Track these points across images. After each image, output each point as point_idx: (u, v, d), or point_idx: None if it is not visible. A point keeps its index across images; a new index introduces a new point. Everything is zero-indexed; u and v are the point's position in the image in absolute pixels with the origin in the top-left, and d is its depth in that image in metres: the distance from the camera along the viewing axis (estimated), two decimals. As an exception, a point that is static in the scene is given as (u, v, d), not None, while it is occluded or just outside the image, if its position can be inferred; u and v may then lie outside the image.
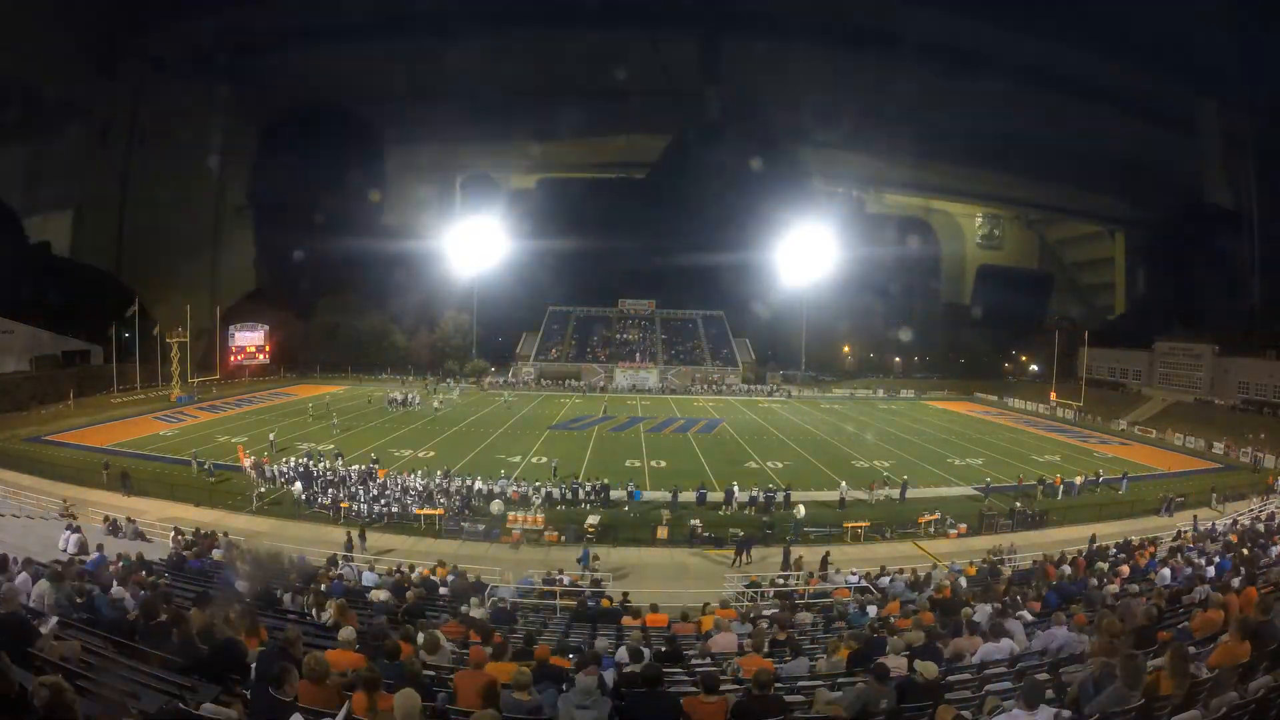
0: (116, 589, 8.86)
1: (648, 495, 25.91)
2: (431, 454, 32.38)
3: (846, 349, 77.34)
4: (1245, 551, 13.39)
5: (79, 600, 7.97)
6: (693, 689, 5.85)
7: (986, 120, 66.17)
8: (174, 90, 59.49)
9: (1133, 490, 29.03)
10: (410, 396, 49.66)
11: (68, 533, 15.05)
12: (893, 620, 10.20)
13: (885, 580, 15.27)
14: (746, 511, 24.56)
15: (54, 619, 6.26)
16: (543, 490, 24.87)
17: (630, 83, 66.07)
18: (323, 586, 10.97)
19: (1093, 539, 19.50)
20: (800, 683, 7.00)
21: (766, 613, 11.82)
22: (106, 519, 18.98)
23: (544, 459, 32.22)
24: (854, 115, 64.74)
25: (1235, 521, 21.24)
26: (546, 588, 14.54)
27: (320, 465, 26.96)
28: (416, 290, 66.25)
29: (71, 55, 52.33)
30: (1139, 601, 8.72)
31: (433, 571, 14.59)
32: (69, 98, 53.45)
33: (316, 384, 60.23)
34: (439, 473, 26.00)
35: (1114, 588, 11.13)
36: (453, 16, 61.53)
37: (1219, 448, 39.64)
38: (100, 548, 13.48)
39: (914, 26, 56.99)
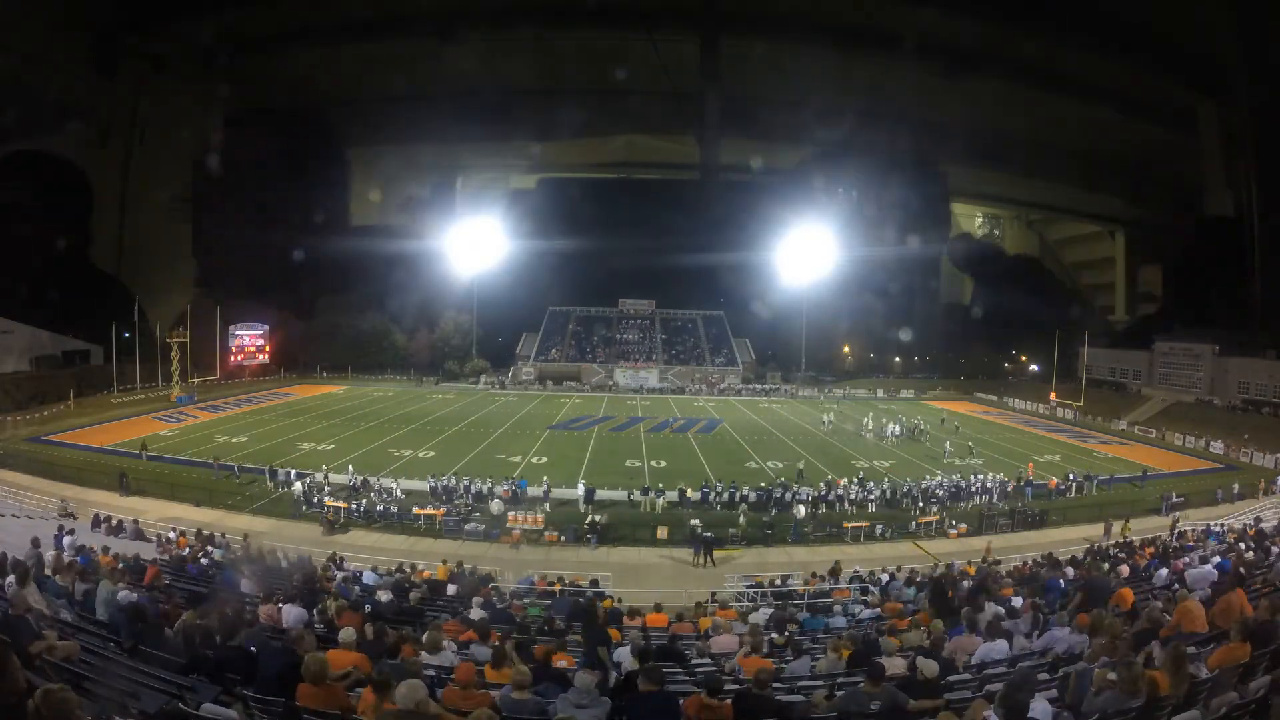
0: (110, 589, 8.84)
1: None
2: (432, 454, 32.40)
3: (846, 349, 77.34)
4: (1245, 552, 13.38)
5: (71, 599, 7.98)
6: (693, 689, 5.86)
7: (986, 120, 66.22)
8: (174, 90, 59.52)
9: (1133, 490, 29.06)
10: None
11: (62, 533, 15.07)
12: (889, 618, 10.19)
13: (884, 579, 15.28)
14: (742, 511, 24.53)
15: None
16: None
17: (630, 82, 66.08)
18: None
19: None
20: (801, 683, 7.01)
21: (764, 614, 11.80)
22: (96, 517, 19.00)
23: (544, 459, 32.26)
24: (854, 115, 64.82)
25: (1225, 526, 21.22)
26: (547, 586, 14.54)
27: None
28: (416, 290, 66.23)
29: (71, 55, 52.35)
30: (1145, 603, 8.72)
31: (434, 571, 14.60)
32: (69, 98, 53.47)
33: (316, 384, 60.29)
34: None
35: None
36: (453, 16, 61.59)
37: (1218, 447, 39.65)
38: (84, 547, 13.45)
39: (914, 26, 56.99)
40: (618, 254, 69.13)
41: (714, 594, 15.04)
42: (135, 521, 19.40)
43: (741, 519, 22.81)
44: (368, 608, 10.23)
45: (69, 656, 5.15)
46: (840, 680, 6.85)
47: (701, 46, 66.62)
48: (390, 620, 9.12)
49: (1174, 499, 26.03)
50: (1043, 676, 6.04)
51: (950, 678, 6.60)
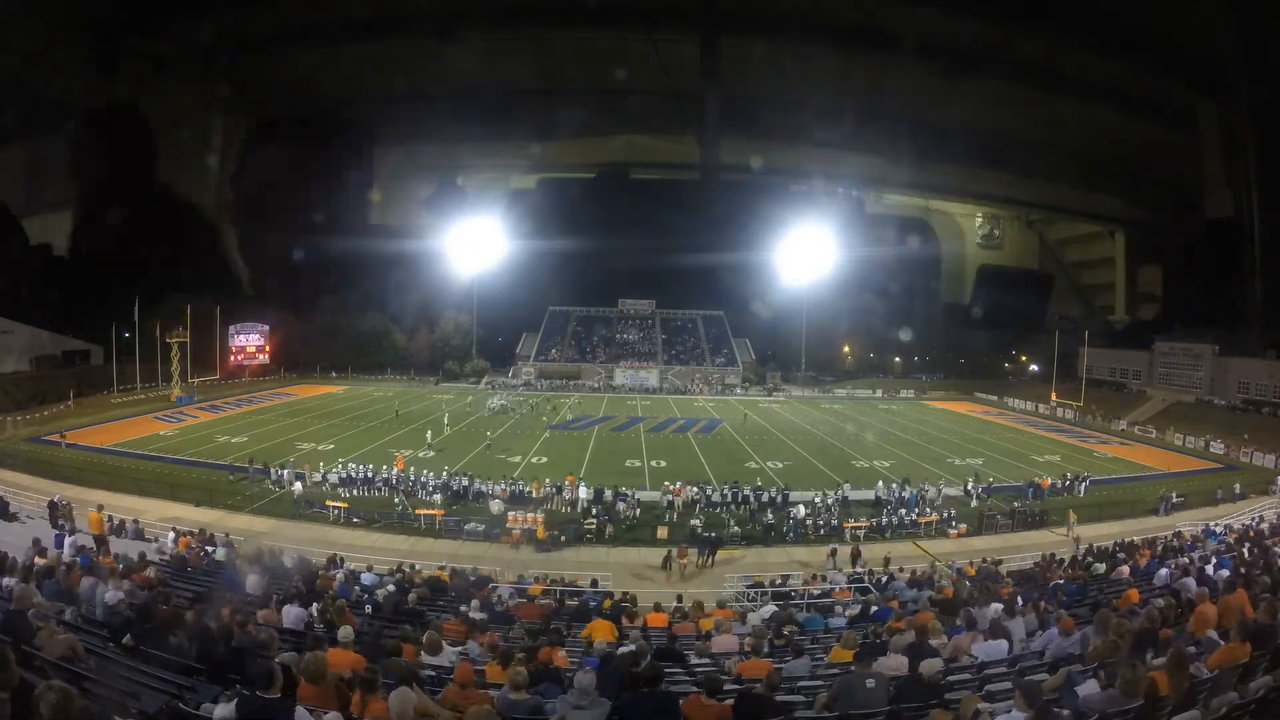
0: (112, 590, 8.84)
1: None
2: (431, 454, 32.38)
3: (846, 349, 77.34)
4: (1245, 553, 13.38)
5: (69, 599, 7.98)
6: (692, 689, 5.85)
7: (986, 120, 66.12)
8: (174, 90, 59.44)
9: (1133, 490, 29.05)
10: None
11: (60, 533, 15.07)
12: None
13: (885, 579, 15.27)
14: (740, 510, 24.51)
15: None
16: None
17: (630, 82, 66.01)
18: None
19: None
20: (801, 683, 7.00)
21: (765, 614, 11.79)
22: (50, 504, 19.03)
23: (544, 459, 32.25)
24: (854, 115, 64.74)
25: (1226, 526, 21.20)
26: (546, 586, 14.53)
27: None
28: (416, 290, 66.25)
29: (71, 55, 52.31)
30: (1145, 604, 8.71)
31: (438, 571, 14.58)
32: (69, 98, 53.43)
33: (316, 384, 60.29)
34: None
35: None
36: (453, 16, 61.50)
37: (1218, 447, 39.63)
38: (83, 547, 13.43)
39: (914, 26, 56.92)
40: (618, 254, 69.13)
41: (702, 604, 14.93)
42: (135, 521, 19.39)
43: (730, 521, 22.72)
44: (368, 608, 10.24)
45: (71, 650, 5.15)
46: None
47: (701, 46, 66.46)
48: (390, 620, 9.12)
49: (1174, 499, 26.01)
50: (1042, 677, 6.03)
51: (950, 677, 6.60)
